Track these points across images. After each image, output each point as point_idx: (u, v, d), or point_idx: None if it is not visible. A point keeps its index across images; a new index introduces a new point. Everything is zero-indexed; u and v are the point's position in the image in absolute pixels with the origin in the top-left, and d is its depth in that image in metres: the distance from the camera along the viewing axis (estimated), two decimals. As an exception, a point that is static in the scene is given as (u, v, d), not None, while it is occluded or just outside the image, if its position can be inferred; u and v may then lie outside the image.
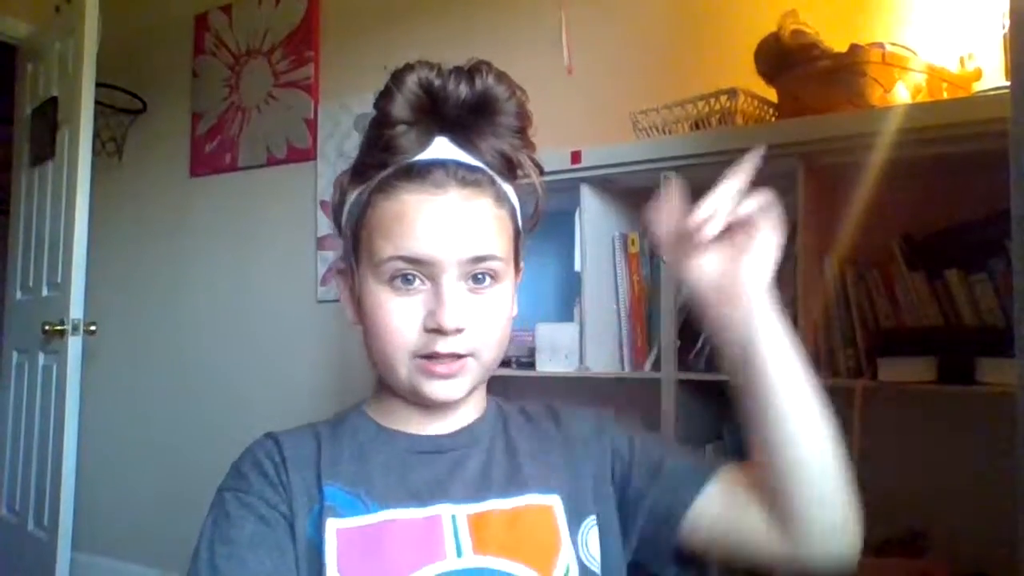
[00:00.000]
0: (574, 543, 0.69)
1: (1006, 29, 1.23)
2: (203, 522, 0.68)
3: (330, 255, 2.48)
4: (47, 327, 2.37)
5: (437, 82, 0.68)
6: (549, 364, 1.75)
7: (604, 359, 1.73)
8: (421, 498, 0.68)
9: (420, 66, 0.68)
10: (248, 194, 2.72)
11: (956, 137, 1.30)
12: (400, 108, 0.68)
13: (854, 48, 1.44)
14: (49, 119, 2.57)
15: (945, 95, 1.44)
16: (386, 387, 0.74)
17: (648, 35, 1.98)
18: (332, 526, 0.65)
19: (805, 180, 1.45)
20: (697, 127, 1.61)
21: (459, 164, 0.69)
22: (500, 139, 0.71)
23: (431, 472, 0.71)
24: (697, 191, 0.63)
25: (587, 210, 1.72)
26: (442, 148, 0.70)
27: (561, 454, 0.75)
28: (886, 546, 1.41)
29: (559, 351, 1.74)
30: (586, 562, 0.69)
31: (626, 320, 1.73)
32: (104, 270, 2.80)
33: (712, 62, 1.84)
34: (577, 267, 1.75)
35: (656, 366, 1.64)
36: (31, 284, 2.67)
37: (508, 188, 0.73)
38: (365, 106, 2.44)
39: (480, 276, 0.69)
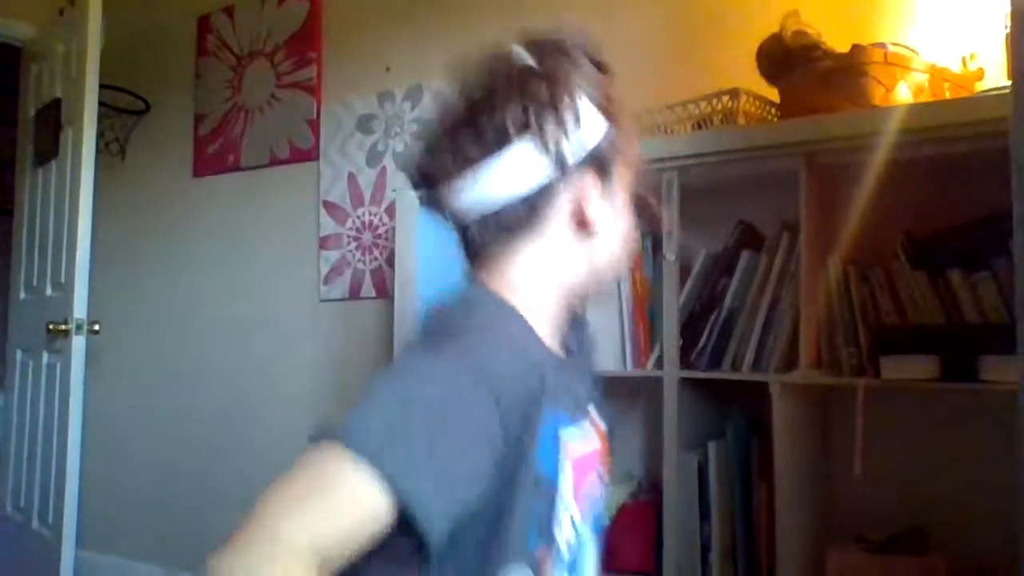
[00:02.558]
0: None
1: (1008, 29, 1.23)
2: (399, 387, 0.62)
3: (332, 254, 2.49)
4: (51, 326, 2.38)
5: None
6: (552, 363, 1.75)
7: (606, 357, 1.73)
8: (581, 410, 0.76)
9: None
10: (251, 194, 2.73)
11: (958, 137, 1.31)
12: None
13: (856, 48, 1.44)
14: (53, 120, 2.57)
15: (947, 95, 1.45)
16: (533, 310, 0.73)
17: (649, 35, 1.98)
18: (566, 456, 0.68)
19: (807, 180, 1.45)
20: (699, 127, 1.61)
21: None
22: None
23: (575, 386, 0.77)
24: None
25: (590, 210, 1.71)
26: None
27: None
28: (889, 544, 1.41)
29: (562, 350, 1.74)
30: None
31: (629, 319, 1.73)
32: (108, 270, 2.81)
33: (714, 62, 1.84)
34: (580, 266, 1.75)
35: (659, 365, 1.64)
36: (35, 284, 2.68)
37: None
38: (368, 106, 2.45)
39: None
